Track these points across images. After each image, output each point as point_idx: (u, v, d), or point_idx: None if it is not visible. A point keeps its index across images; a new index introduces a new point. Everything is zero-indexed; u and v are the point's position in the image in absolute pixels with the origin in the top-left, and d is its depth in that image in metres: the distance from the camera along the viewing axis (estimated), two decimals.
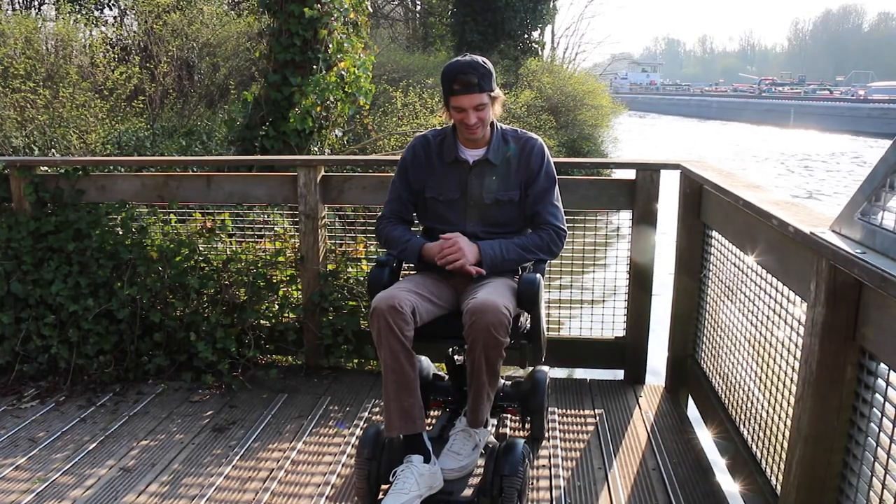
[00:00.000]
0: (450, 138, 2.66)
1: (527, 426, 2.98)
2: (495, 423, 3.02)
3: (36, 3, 13.31)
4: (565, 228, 2.66)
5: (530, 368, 2.98)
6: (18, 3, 14.21)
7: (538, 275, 2.47)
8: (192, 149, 7.44)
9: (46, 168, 3.74)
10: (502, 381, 2.91)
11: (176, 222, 3.80)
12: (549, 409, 3.22)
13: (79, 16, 10.06)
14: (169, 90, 9.27)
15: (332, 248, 3.77)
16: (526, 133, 2.71)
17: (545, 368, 2.98)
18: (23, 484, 2.65)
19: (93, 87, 7.60)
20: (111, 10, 11.10)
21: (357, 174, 3.76)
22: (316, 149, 7.10)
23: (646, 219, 3.37)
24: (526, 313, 2.55)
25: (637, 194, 3.37)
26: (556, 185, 2.69)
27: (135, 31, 10.39)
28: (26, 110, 6.84)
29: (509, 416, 3.08)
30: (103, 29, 10.47)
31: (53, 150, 6.72)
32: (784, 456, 1.99)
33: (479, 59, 2.51)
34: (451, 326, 2.45)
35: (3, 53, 7.29)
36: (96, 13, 10.97)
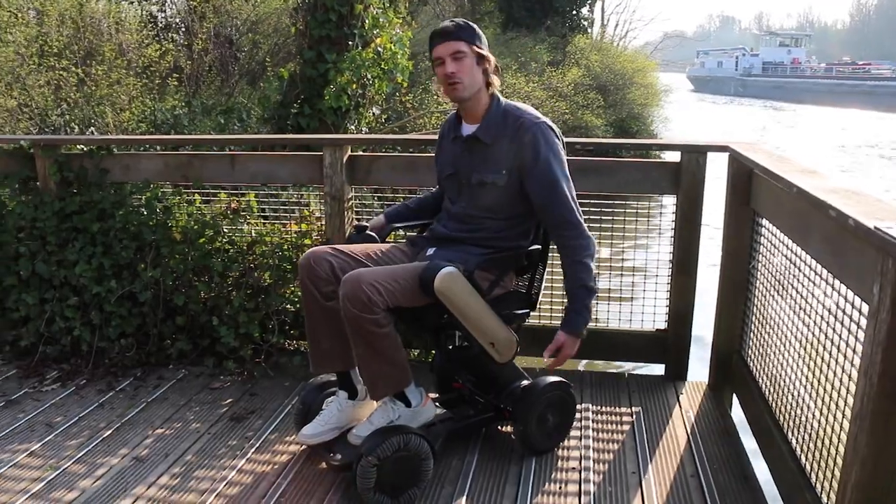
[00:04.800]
0: (456, 115, 2.60)
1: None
2: (436, 408, 2.67)
3: None
4: (585, 228, 2.45)
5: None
6: None
7: (447, 265, 2.27)
8: (229, 126, 7.37)
9: (82, 147, 3.65)
10: (525, 381, 2.72)
11: (201, 203, 3.70)
12: (584, 405, 3.05)
13: None
14: (210, 67, 9.22)
15: None
16: (526, 112, 2.47)
17: (554, 378, 2.71)
18: (35, 471, 2.59)
19: (127, 65, 7.57)
20: None
21: (385, 154, 3.61)
22: (353, 127, 6.97)
23: (691, 204, 3.15)
24: None
25: (682, 178, 3.14)
26: (566, 177, 2.44)
27: (175, 9, 10.37)
28: (62, 89, 6.84)
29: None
30: (146, 6, 10.46)
31: (93, 129, 6.71)
32: (838, 475, 1.79)
33: (469, 21, 2.46)
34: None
35: (38, 32, 7.29)
36: None
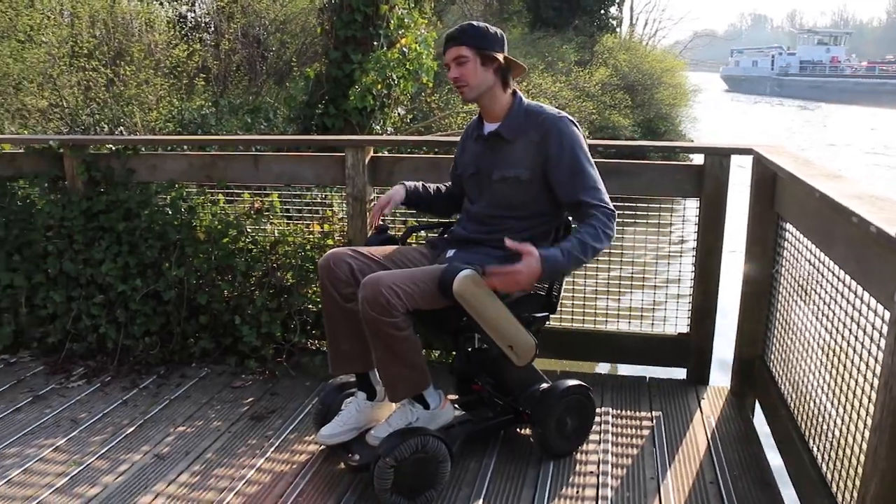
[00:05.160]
0: (479, 116, 2.64)
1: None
2: (455, 410, 2.68)
3: None
4: (611, 205, 2.39)
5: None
6: None
7: (466, 267, 2.24)
8: (256, 126, 7.44)
9: (110, 147, 3.71)
10: (544, 384, 2.71)
11: (224, 203, 3.74)
12: (604, 409, 3.03)
13: None
14: (238, 67, 9.30)
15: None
16: (549, 110, 2.50)
17: (573, 381, 2.70)
18: (59, 466, 2.63)
19: (156, 65, 7.67)
20: None
21: (407, 155, 3.62)
22: (378, 127, 6.99)
23: (714, 207, 3.12)
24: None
25: (705, 181, 3.11)
26: (592, 164, 2.44)
27: (204, 9, 10.48)
28: (91, 89, 6.94)
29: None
30: (177, 7, 10.59)
31: (121, 128, 6.80)
32: (857, 485, 1.76)
33: (481, 23, 2.50)
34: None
35: (68, 33, 7.41)
36: None
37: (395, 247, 2.67)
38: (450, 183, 2.84)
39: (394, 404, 2.53)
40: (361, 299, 2.25)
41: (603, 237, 2.34)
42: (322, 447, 2.70)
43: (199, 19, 11.06)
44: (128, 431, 2.89)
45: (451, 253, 2.55)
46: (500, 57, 2.46)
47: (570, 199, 2.42)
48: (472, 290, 2.26)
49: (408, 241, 2.80)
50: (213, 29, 9.87)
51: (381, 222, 2.76)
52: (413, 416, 2.47)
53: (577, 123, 2.51)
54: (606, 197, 2.41)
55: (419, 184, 2.79)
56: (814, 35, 73.06)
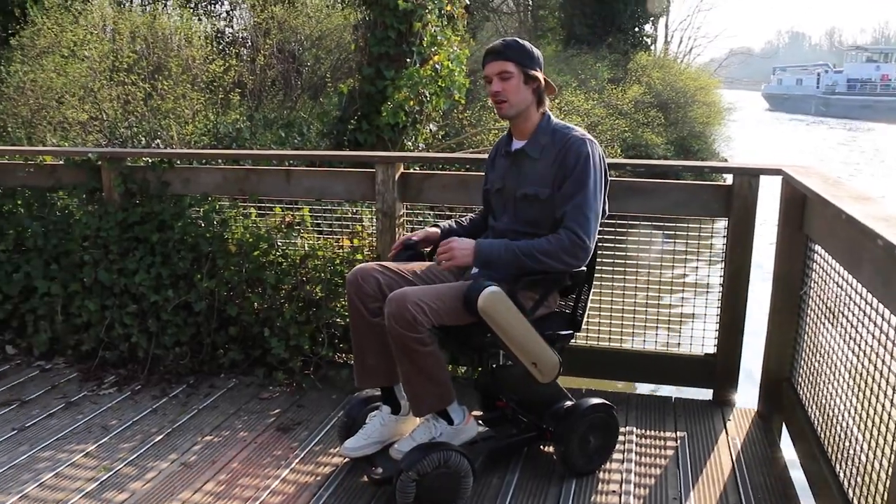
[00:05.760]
0: (508, 132, 2.65)
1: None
2: (479, 426, 2.67)
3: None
4: (586, 240, 2.36)
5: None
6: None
7: (491, 284, 2.26)
8: (290, 140, 7.55)
9: (146, 160, 3.80)
10: (567, 402, 2.70)
11: (256, 216, 3.80)
12: (628, 428, 3.02)
13: (193, 11, 10.42)
14: (273, 81, 9.44)
15: None
16: (576, 130, 2.50)
17: (597, 399, 2.69)
18: (89, 471, 2.70)
19: (193, 80, 7.82)
20: (222, 5, 11.47)
21: (437, 172, 3.65)
22: (410, 143, 7.05)
23: (742, 228, 3.10)
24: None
25: (733, 201, 3.10)
26: (596, 194, 2.42)
27: (242, 25, 10.68)
28: (130, 102, 7.11)
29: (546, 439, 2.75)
30: (215, 22, 10.81)
31: (158, 141, 6.94)
32: None
33: (523, 40, 2.50)
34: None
35: (109, 48, 7.60)
36: (209, 7, 11.35)
37: (422, 263, 2.70)
38: (481, 207, 2.87)
39: (418, 419, 2.55)
40: (388, 314, 2.28)
41: (553, 256, 2.35)
42: (346, 460, 2.73)
43: (237, 35, 11.27)
44: (156, 439, 2.94)
45: (476, 269, 2.57)
46: (541, 76, 2.49)
47: (557, 213, 2.43)
48: (497, 306, 2.28)
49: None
50: (249, 44, 10.05)
51: (408, 239, 2.78)
52: (437, 430, 2.49)
53: (602, 150, 2.52)
54: (588, 231, 2.37)
55: (452, 222, 2.83)
56: (862, 52, 68.25)
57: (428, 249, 2.79)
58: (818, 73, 66.99)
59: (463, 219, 2.88)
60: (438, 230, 2.77)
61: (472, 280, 2.39)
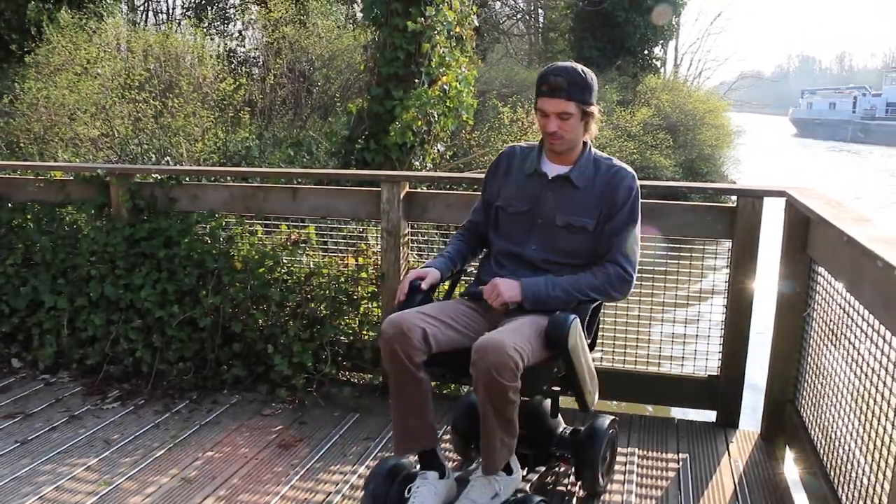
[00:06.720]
0: (537, 150, 2.51)
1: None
2: (522, 471, 2.49)
3: (176, 18, 14.17)
4: (633, 273, 2.36)
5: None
6: (162, 17, 15.20)
7: (572, 316, 2.21)
8: (298, 159, 7.60)
9: (154, 176, 3.83)
10: (563, 427, 2.67)
11: (262, 233, 3.82)
12: (630, 449, 3.00)
13: (205, 30, 10.56)
14: (284, 100, 9.53)
15: (414, 265, 3.68)
16: (619, 163, 2.45)
17: (608, 417, 2.68)
18: (90, 485, 2.70)
19: (202, 98, 7.91)
20: (234, 24, 11.65)
21: (442, 192, 3.67)
22: (417, 163, 7.09)
23: (746, 249, 3.10)
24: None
25: (737, 222, 3.10)
26: (638, 228, 2.41)
27: (253, 45, 10.81)
28: (141, 120, 7.18)
29: (562, 465, 2.71)
30: (227, 42, 10.95)
31: (168, 158, 7.00)
32: None
33: (582, 68, 2.33)
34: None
35: (122, 66, 7.70)
36: (221, 27, 11.52)
37: (444, 303, 2.50)
38: (465, 226, 2.68)
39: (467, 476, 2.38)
40: (487, 365, 2.06)
41: (600, 291, 2.34)
42: (346, 477, 2.72)
43: (248, 54, 11.40)
44: (158, 454, 2.95)
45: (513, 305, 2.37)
46: (596, 110, 2.38)
47: (601, 248, 2.39)
48: (577, 340, 2.22)
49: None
50: (260, 63, 10.16)
51: (414, 260, 2.67)
52: (498, 486, 2.29)
53: None
54: (634, 265, 2.38)
55: (446, 257, 2.57)
56: None
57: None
58: (854, 95, 62.50)
59: (445, 250, 2.63)
60: (436, 271, 2.49)
61: (550, 317, 2.25)
